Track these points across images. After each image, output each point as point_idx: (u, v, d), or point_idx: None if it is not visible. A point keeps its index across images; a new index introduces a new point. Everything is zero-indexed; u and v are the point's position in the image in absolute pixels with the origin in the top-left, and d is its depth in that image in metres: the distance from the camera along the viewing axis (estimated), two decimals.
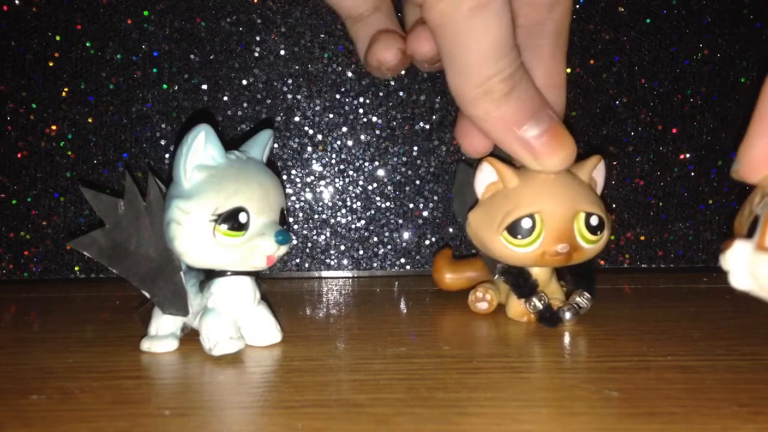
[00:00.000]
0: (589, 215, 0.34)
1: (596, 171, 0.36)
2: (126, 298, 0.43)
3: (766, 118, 0.22)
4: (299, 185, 0.51)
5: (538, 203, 0.33)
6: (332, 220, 0.51)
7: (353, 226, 0.51)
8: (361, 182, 0.51)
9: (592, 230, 0.34)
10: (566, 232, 0.33)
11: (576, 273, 0.37)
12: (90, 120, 0.50)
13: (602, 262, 0.52)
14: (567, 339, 0.33)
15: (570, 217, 0.33)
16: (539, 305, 0.35)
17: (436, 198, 0.51)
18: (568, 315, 0.35)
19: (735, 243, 0.21)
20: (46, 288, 0.48)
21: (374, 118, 0.51)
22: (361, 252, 0.52)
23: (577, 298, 0.36)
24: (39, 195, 0.50)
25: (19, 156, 0.49)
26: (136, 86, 0.50)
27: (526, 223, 0.33)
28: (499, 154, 0.34)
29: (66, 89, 0.49)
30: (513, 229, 0.34)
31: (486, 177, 0.35)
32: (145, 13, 0.49)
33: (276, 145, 0.51)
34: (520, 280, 0.36)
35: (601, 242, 0.35)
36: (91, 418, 0.23)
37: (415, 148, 0.51)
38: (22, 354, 0.31)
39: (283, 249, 0.31)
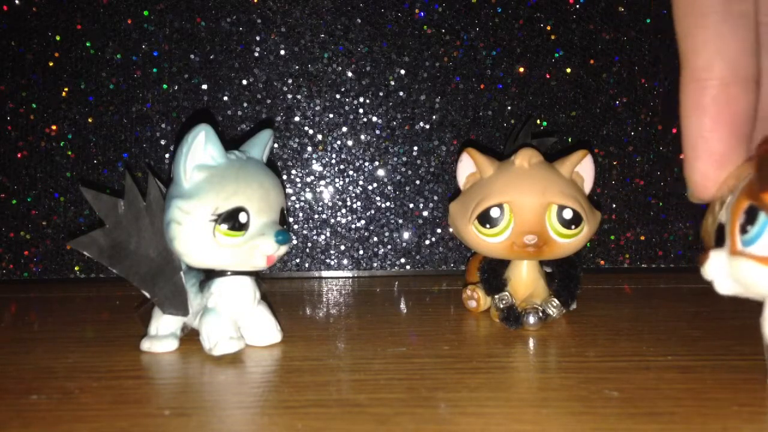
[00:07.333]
0: (561, 208, 0.33)
1: (582, 167, 0.35)
2: (126, 298, 0.43)
3: (692, 146, 0.25)
4: (299, 185, 0.51)
5: (508, 193, 0.33)
6: (332, 220, 0.51)
7: (353, 226, 0.51)
8: (361, 182, 0.51)
9: (566, 224, 0.33)
10: (536, 224, 0.33)
11: (560, 278, 0.36)
12: (90, 120, 0.50)
13: (602, 262, 0.52)
14: (567, 339, 0.33)
15: (541, 208, 0.33)
16: (500, 305, 0.35)
17: (436, 198, 0.51)
18: (531, 319, 0.34)
19: (710, 254, 0.23)
20: (46, 288, 0.48)
21: (374, 118, 0.51)
22: (361, 252, 0.52)
23: (547, 304, 0.35)
24: (39, 195, 0.50)
25: (19, 156, 0.49)
26: (136, 86, 0.50)
27: (494, 213, 0.33)
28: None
29: (66, 89, 0.49)
30: (483, 219, 0.33)
31: (466, 167, 0.35)
32: (145, 13, 0.49)
33: (276, 145, 0.51)
34: (488, 276, 0.36)
35: (578, 238, 0.34)
36: (91, 418, 0.23)
37: (415, 148, 0.51)
38: (22, 354, 0.31)
39: (283, 249, 0.31)
